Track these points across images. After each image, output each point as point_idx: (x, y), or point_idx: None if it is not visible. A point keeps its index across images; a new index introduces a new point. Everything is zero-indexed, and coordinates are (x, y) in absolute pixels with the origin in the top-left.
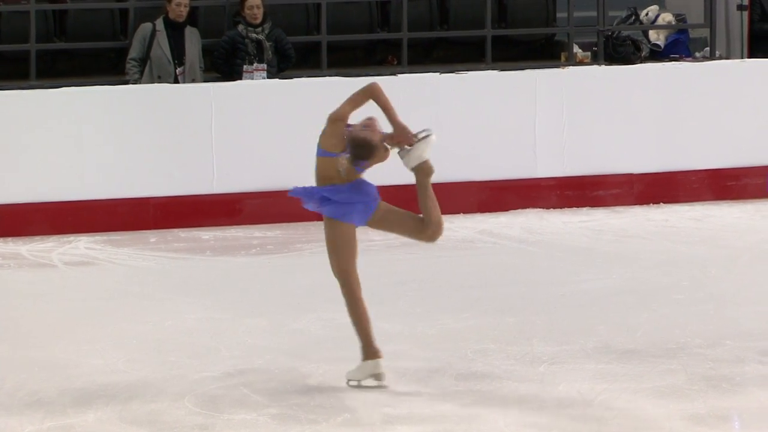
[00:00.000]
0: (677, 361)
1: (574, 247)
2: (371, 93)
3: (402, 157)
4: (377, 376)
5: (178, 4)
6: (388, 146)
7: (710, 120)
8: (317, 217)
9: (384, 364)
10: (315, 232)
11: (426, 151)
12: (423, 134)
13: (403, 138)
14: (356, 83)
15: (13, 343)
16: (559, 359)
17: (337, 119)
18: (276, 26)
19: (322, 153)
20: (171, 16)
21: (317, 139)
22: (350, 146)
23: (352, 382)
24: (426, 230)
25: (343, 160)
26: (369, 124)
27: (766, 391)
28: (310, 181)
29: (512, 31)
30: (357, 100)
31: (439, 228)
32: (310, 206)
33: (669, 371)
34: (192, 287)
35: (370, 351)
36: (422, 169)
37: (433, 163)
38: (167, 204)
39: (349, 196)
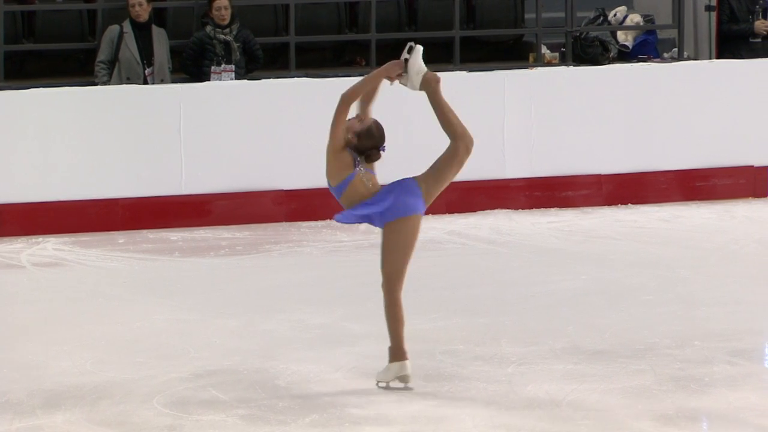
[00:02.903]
0: (646, 361)
1: (543, 248)
2: (347, 99)
3: (406, 84)
4: (403, 378)
5: (133, 5)
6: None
7: (679, 121)
8: (286, 218)
9: (410, 365)
10: (283, 233)
11: (421, 63)
12: (407, 51)
13: (393, 70)
14: (325, 84)
15: None
16: (528, 360)
17: (335, 148)
18: (244, 27)
19: (342, 185)
20: (132, 16)
21: (328, 183)
22: (362, 143)
23: (381, 384)
24: (459, 148)
25: (362, 171)
26: (358, 118)
27: (735, 391)
28: (279, 180)
29: (480, 32)
30: (339, 119)
31: (467, 135)
32: (376, 221)
33: (638, 372)
34: (160, 288)
35: (398, 353)
36: (428, 81)
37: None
38: (136, 205)
39: (398, 194)
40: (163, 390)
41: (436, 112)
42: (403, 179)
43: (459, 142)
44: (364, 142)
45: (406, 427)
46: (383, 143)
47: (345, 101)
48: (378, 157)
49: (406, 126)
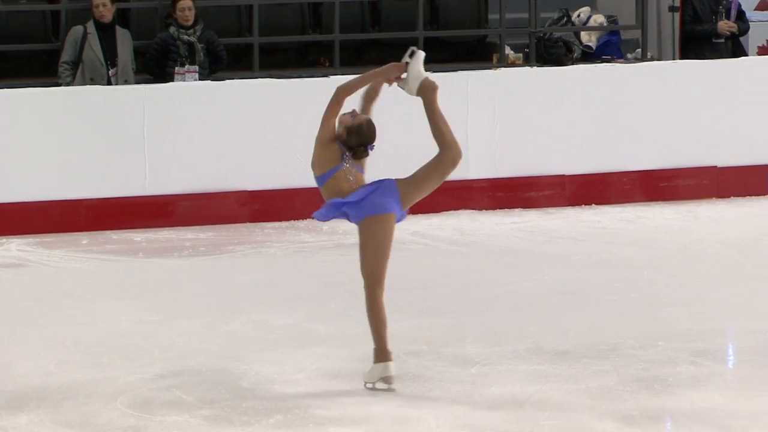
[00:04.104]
0: (609, 362)
1: (507, 249)
2: (341, 92)
3: (404, 88)
4: (386, 379)
5: (97, 5)
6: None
7: (642, 121)
8: (249, 219)
9: (394, 366)
10: (246, 234)
11: (420, 69)
12: (409, 55)
13: (392, 71)
14: (288, 85)
15: None
16: (492, 360)
17: (323, 139)
18: (208, 28)
19: (325, 176)
20: (95, 17)
21: (311, 172)
22: (350, 139)
23: (367, 385)
24: (446, 158)
25: (347, 166)
26: (352, 113)
27: (699, 391)
28: (242, 181)
29: (444, 32)
30: (332, 110)
31: (455, 147)
32: (351, 216)
33: (601, 372)
34: (124, 289)
35: (382, 354)
36: (426, 87)
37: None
38: (99, 206)
39: (373, 191)
40: (126, 391)
41: (429, 119)
42: (384, 179)
43: (446, 153)
44: (352, 139)
45: (370, 428)
46: (372, 142)
47: (339, 93)
48: (365, 155)
49: (401, 127)
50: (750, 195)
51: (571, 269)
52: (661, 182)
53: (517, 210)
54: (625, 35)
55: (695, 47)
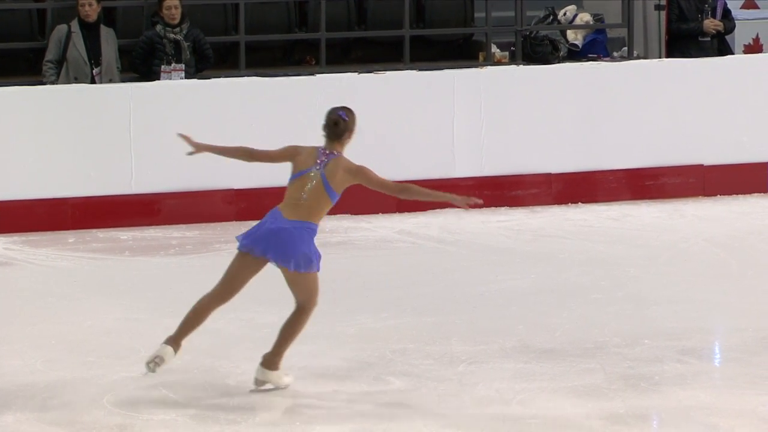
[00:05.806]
0: (596, 360)
1: (493, 247)
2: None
3: None
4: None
5: (83, 5)
6: None
7: (628, 120)
8: (236, 217)
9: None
10: (233, 232)
11: None
12: None
13: None
14: (274, 83)
15: None
16: (478, 359)
17: None
18: (194, 26)
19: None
20: (80, 16)
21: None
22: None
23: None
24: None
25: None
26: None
27: (684, 389)
28: (228, 179)
29: (430, 31)
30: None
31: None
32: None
33: (588, 370)
34: (110, 288)
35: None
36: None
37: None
38: (85, 204)
39: None
40: (113, 389)
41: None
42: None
43: None
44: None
45: (357, 426)
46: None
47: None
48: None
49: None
50: (736, 193)
51: (557, 268)
52: (647, 180)
53: (503, 208)
54: (611, 34)
55: (681, 46)
